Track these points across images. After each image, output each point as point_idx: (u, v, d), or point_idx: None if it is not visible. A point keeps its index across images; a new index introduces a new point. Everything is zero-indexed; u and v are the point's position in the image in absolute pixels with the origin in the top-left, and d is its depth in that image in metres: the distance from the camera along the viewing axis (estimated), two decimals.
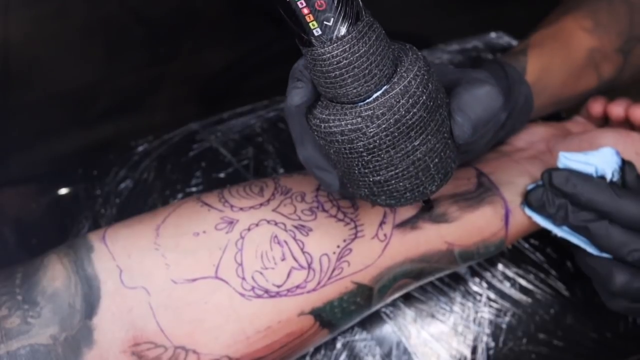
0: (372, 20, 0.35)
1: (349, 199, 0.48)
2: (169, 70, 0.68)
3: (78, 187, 0.61)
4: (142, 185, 0.62)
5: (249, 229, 0.45)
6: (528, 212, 0.50)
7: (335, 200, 0.48)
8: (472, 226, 0.49)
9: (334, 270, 0.45)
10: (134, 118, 0.69)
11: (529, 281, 0.58)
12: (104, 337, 0.42)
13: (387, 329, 0.55)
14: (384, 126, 0.35)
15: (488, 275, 0.58)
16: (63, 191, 0.61)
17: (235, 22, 0.69)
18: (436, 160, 0.38)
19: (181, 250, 0.44)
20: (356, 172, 0.38)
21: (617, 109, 0.56)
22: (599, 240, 0.46)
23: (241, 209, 0.46)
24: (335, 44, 0.34)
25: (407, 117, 0.35)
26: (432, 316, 0.56)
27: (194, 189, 0.61)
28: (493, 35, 0.75)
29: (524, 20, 0.62)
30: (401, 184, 0.38)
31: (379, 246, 0.47)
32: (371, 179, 0.38)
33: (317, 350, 0.54)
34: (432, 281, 0.57)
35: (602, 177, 0.47)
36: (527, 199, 0.49)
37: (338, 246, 0.46)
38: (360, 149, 0.36)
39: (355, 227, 0.47)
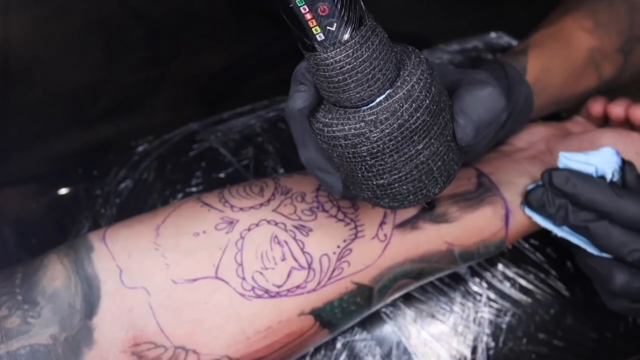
0: (375, 25, 0.35)
1: (349, 199, 0.48)
2: (169, 70, 0.68)
3: (78, 187, 0.61)
4: (142, 185, 0.62)
5: (249, 229, 0.45)
6: (528, 212, 0.50)
7: (335, 200, 0.48)
8: (472, 226, 0.49)
9: (334, 270, 0.45)
10: (134, 118, 0.69)
11: (529, 281, 0.58)
12: (104, 337, 0.42)
13: (387, 329, 0.55)
14: (387, 131, 0.35)
15: (488, 275, 0.58)
16: (63, 191, 0.61)
17: (235, 22, 0.69)
18: (439, 163, 0.38)
19: (181, 250, 0.44)
20: (359, 175, 0.38)
21: (617, 109, 0.56)
22: (599, 240, 0.46)
23: (241, 209, 0.46)
24: (338, 49, 0.34)
25: (411, 121, 0.35)
26: (432, 316, 0.56)
27: (194, 189, 0.61)
28: (493, 35, 0.75)
29: (524, 20, 0.62)
30: (404, 187, 0.38)
31: (379, 246, 0.47)
32: (374, 183, 0.38)
33: (317, 350, 0.54)
34: (432, 281, 0.57)
35: (602, 177, 0.47)
36: (527, 199, 0.49)
37: (338, 246, 0.46)
38: (364, 153, 0.36)
39: (356, 227, 0.47)
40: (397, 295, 0.50)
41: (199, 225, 0.45)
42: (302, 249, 0.45)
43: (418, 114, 0.35)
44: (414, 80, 0.35)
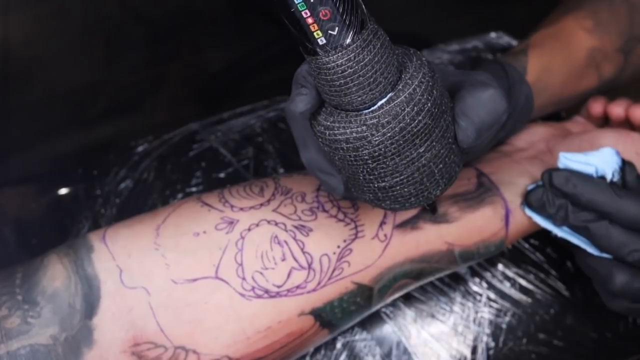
0: (377, 28, 0.34)
1: (350, 199, 0.48)
2: (169, 70, 0.68)
3: (78, 187, 0.61)
4: (142, 185, 0.62)
5: (249, 229, 0.45)
6: (528, 212, 0.50)
7: (335, 200, 0.48)
8: (472, 226, 0.49)
9: (334, 270, 0.45)
10: (134, 118, 0.69)
11: (529, 281, 0.58)
12: (104, 337, 0.42)
13: (387, 329, 0.55)
14: (389, 134, 0.35)
15: (488, 275, 0.58)
16: (63, 191, 0.61)
17: (235, 22, 0.69)
18: (441, 165, 0.38)
19: (181, 250, 0.44)
20: (361, 178, 0.38)
21: (617, 109, 0.56)
22: (599, 240, 0.46)
23: (241, 209, 0.46)
24: (340, 53, 0.33)
25: (412, 124, 0.35)
26: (432, 316, 0.56)
27: (194, 189, 0.61)
28: (493, 35, 0.75)
29: (524, 20, 0.62)
30: (406, 189, 0.38)
31: (379, 246, 0.47)
32: (376, 185, 0.38)
33: (317, 350, 0.54)
34: (432, 281, 0.57)
35: (602, 178, 0.47)
36: (527, 199, 0.49)
37: (338, 246, 0.46)
38: (365, 157, 0.36)
39: (356, 227, 0.47)
40: (397, 295, 0.50)
41: (199, 225, 0.45)
42: (302, 249, 0.45)
43: (420, 118, 0.35)
44: (416, 83, 0.35)
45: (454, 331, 0.56)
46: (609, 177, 0.47)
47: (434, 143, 0.37)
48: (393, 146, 0.36)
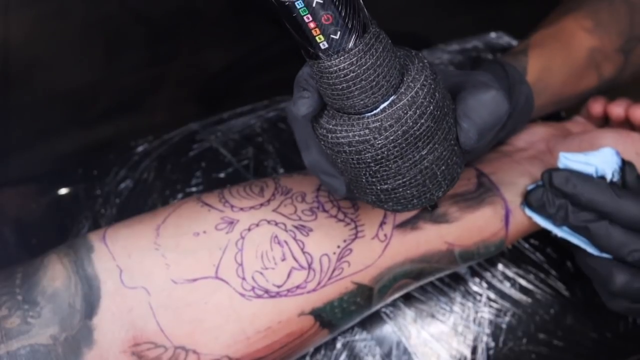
0: (379, 31, 0.34)
1: (352, 199, 0.48)
2: (169, 70, 0.68)
3: (78, 187, 0.61)
4: (142, 185, 0.62)
5: (249, 229, 0.45)
6: (528, 212, 0.50)
7: (335, 200, 0.48)
8: (472, 226, 0.49)
9: (334, 270, 0.45)
10: (134, 118, 0.69)
11: (529, 281, 0.58)
12: (104, 337, 0.42)
13: (387, 329, 0.55)
14: (391, 138, 0.35)
15: (488, 275, 0.58)
16: (63, 191, 0.61)
17: (235, 22, 0.68)
18: (443, 167, 0.38)
19: (181, 250, 0.44)
20: (363, 180, 0.38)
21: (617, 109, 0.56)
22: (599, 240, 0.46)
23: (241, 209, 0.46)
24: (342, 57, 0.33)
25: (415, 128, 0.35)
26: (432, 316, 0.56)
27: (194, 189, 0.61)
28: (493, 35, 0.75)
29: (524, 20, 0.62)
30: (408, 191, 0.38)
31: (379, 246, 0.47)
32: (378, 187, 0.38)
33: (317, 350, 0.54)
34: (432, 281, 0.57)
35: (602, 178, 0.47)
36: (527, 199, 0.49)
37: (338, 246, 0.46)
38: (368, 160, 0.36)
39: (356, 227, 0.47)
40: (397, 295, 0.50)
41: (199, 225, 0.45)
42: (302, 249, 0.45)
43: (422, 121, 0.35)
44: (418, 86, 0.35)
45: (454, 331, 0.56)
46: (609, 177, 0.47)
47: (437, 145, 0.37)
48: (396, 149, 0.36)
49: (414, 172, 0.37)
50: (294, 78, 0.38)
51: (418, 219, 0.48)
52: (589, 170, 0.47)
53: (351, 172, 0.38)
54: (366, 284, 0.46)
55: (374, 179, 0.37)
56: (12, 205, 0.61)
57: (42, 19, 0.59)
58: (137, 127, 0.67)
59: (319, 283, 0.45)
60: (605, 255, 0.47)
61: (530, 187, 0.49)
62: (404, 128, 0.35)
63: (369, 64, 0.34)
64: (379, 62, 0.34)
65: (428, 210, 0.46)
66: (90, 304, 0.42)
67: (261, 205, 0.46)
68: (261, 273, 0.44)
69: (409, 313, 0.56)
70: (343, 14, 0.32)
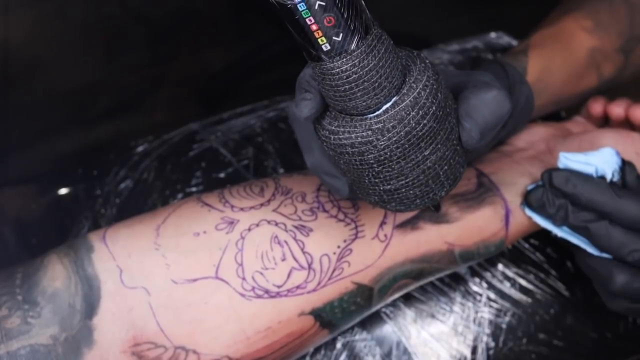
0: (381, 32, 0.34)
1: (355, 199, 0.48)
2: (169, 70, 0.68)
3: (78, 187, 0.61)
4: (142, 185, 0.62)
5: (249, 229, 0.45)
6: (528, 212, 0.50)
7: (335, 200, 0.48)
8: (472, 226, 0.49)
9: (334, 270, 0.45)
10: (134, 118, 0.69)
11: (529, 281, 0.58)
12: (104, 337, 0.42)
13: (387, 329, 0.55)
14: (394, 139, 0.35)
15: (488, 275, 0.58)
16: (63, 191, 0.61)
17: (235, 22, 0.68)
18: (446, 167, 0.38)
19: (181, 251, 0.44)
20: (366, 181, 0.38)
21: (617, 109, 0.56)
22: (599, 240, 0.46)
23: (241, 209, 0.46)
24: (344, 59, 0.33)
25: (418, 128, 0.35)
26: (432, 316, 0.56)
27: (194, 189, 0.61)
28: (493, 35, 0.75)
29: (524, 20, 0.62)
30: (411, 191, 0.38)
31: (380, 246, 0.47)
32: (381, 188, 0.38)
33: (317, 350, 0.54)
34: (432, 281, 0.57)
35: (602, 178, 0.47)
36: (527, 199, 0.49)
37: (338, 246, 0.46)
38: (371, 161, 0.36)
39: (356, 227, 0.47)
40: (397, 295, 0.50)
41: (199, 226, 0.45)
42: (302, 249, 0.45)
43: (425, 121, 0.35)
44: (420, 87, 0.35)
45: (454, 331, 0.56)
46: (609, 177, 0.47)
47: (439, 145, 0.37)
48: (399, 150, 0.36)
49: (417, 172, 0.37)
50: (294, 78, 0.38)
51: (418, 219, 0.48)
52: (589, 170, 0.47)
53: (354, 173, 0.38)
54: (366, 284, 0.46)
55: (376, 180, 0.37)
56: (12, 205, 0.61)
57: (42, 19, 0.59)
58: (137, 127, 0.67)
59: (319, 283, 0.45)
60: (605, 255, 0.47)
61: (530, 187, 0.49)
62: (406, 129, 0.35)
63: (371, 65, 0.34)
64: (381, 64, 0.34)
65: (431, 210, 0.46)
66: (91, 304, 0.42)
67: (261, 205, 0.46)
68: (261, 273, 0.44)
69: (409, 313, 0.56)
70: (345, 16, 0.32)
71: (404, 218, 0.48)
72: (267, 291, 0.44)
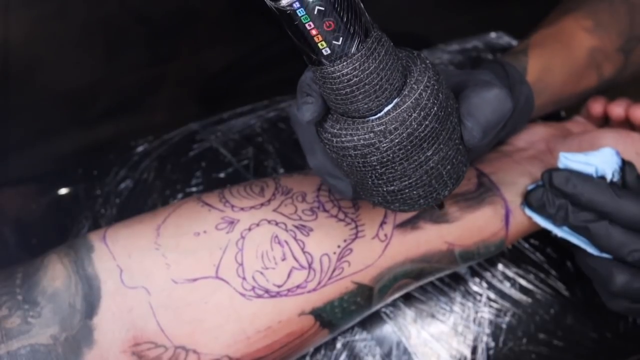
0: (381, 34, 0.34)
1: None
2: (169, 70, 0.68)
3: (78, 187, 0.61)
4: (142, 185, 0.62)
5: (249, 229, 0.45)
6: (528, 212, 0.50)
7: (336, 200, 0.48)
8: (472, 226, 0.49)
9: (334, 270, 0.45)
10: (134, 118, 0.69)
11: (529, 281, 0.58)
12: (104, 337, 0.42)
13: (387, 329, 0.55)
14: (397, 140, 0.35)
15: (488, 275, 0.58)
16: (63, 191, 0.61)
17: (235, 22, 0.68)
18: (448, 167, 0.38)
19: (182, 250, 0.44)
20: (369, 182, 0.38)
21: (618, 109, 0.56)
22: (599, 240, 0.46)
23: (242, 209, 0.46)
24: (345, 63, 0.33)
25: (420, 129, 0.35)
26: (432, 316, 0.56)
27: (194, 189, 0.61)
28: (493, 35, 0.75)
29: (524, 20, 0.62)
30: (415, 192, 0.38)
31: (380, 246, 0.47)
32: (385, 189, 0.38)
33: (317, 350, 0.54)
34: (432, 281, 0.57)
35: (603, 178, 0.47)
36: (527, 199, 0.49)
37: (339, 246, 0.46)
38: (374, 163, 0.36)
39: (356, 227, 0.47)
40: (397, 295, 0.50)
41: (200, 225, 0.45)
42: (302, 249, 0.45)
43: (427, 122, 0.35)
44: (421, 87, 0.35)
45: (454, 331, 0.56)
46: (609, 177, 0.47)
47: (442, 145, 0.37)
48: (401, 151, 0.36)
49: (420, 173, 0.37)
50: (294, 78, 0.38)
51: (418, 219, 0.48)
52: (589, 170, 0.47)
53: (357, 175, 0.38)
54: (366, 284, 0.46)
55: (380, 181, 0.37)
56: (12, 205, 0.61)
57: (42, 19, 0.59)
58: (137, 127, 0.67)
59: (319, 283, 0.45)
60: (605, 255, 0.47)
61: (530, 187, 0.49)
62: (408, 130, 0.35)
63: (371, 68, 0.34)
64: (381, 66, 0.34)
65: (435, 209, 0.46)
66: (91, 304, 0.42)
67: (261, 205, 0.46)
68: (261, 273, 0.44)
69: (409, 313, 0.56)
70: (345, 20, 0.32)
71: (404, 218, 0.48)
72: (267, 291, 0.44)
